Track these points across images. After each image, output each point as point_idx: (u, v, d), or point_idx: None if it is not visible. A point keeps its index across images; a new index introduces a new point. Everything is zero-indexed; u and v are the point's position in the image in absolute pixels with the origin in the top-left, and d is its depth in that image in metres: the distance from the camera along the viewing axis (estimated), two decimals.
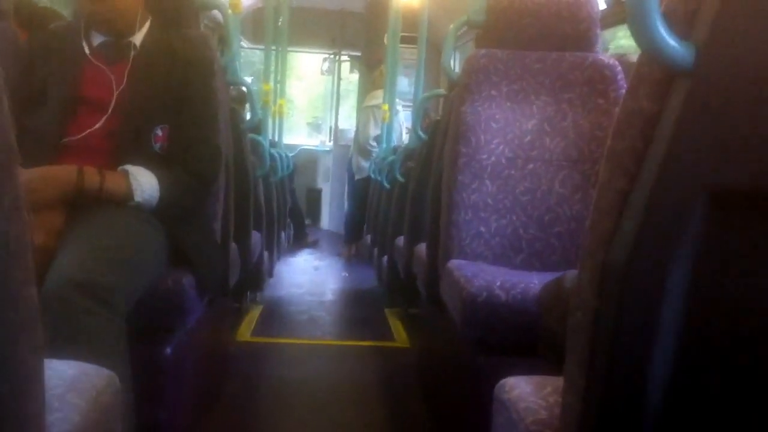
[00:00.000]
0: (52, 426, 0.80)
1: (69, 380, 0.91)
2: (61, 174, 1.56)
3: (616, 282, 0.72)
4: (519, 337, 1.64)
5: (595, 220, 0.78)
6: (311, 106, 9.59)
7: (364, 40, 7.59)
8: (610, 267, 0.73)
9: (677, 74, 0.69)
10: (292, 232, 6.50)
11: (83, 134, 1.70)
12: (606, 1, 3.14)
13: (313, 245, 6.68)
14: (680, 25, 0.69)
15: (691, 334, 0.71)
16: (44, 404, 0.76)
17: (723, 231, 0.69)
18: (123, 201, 1.61)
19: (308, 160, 8.11)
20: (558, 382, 1.01)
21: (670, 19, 0.68)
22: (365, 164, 5.89)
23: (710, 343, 0.71)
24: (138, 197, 1.62)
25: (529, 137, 2.08)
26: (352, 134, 7.02)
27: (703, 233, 0.68)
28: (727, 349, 0.71)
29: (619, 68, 2.10)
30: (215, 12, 2.52)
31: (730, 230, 0.69)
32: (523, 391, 1.01)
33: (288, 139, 7.92)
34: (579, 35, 2.14)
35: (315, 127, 9.18)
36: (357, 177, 6.05)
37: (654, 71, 0.72)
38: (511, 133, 2.08)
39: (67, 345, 1.25)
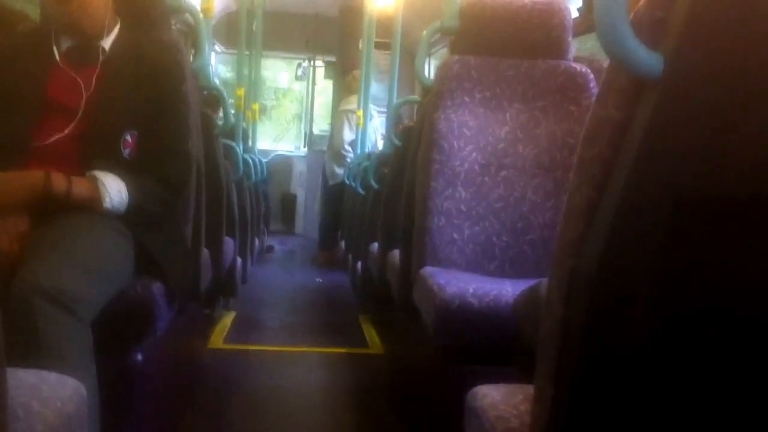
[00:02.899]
0: None
1: (33, 389, 0.90)
2: (27, 179, 1.53)
3: (585, 290, 0.72)
4: (491, 344, 1.64)
5: (563, 228, 0.78)
6: (326, 110, 8.70)
7: (337, 46, 7.59)
8: (579, 275, 0.73)
9: (646, 83, 0.69)
10: (266, 238, 6.46)
11: (51, 140, 1.67)
12: (578, 9, 3.17)
13: (269, 251, 6.63)
14: (648, 34, 0.69)
15: (661, 341, 0.71)
16: (7, 415, 0.75)
17: (691, 238, 0.69)
18: (91, 207, 1.59)
19: (282, 166, 8.08)
20: (530, 390, 1.01)
21: (637, 28, 0.69)
22: (339, 170, 5.87)
23: (681, 350, 0.72)
24: (107, 203, 1.59)
25: (502, 144, 2.09)
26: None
27: (671, 240, 0.69)
28: (698, 356, 0.71)
29: (591, 76, 2.11)
30: (187, 15, 2.50)
31: (698, 237, 0.69)
32: (495, 399, 1.01)
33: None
34: (551, 42, 2.15)
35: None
36: (331, 183, 6.03)
37: (622, 80, 0.72)
38: (484, 140, 2.09)
39: (31, 353, 1.23)
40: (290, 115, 10.75)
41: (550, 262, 0.80)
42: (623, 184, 0.69)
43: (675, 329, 0.71)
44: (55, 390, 0.93)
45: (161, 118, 1.76)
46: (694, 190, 0.68)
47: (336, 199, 5.90)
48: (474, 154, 2.07)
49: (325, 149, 6.61)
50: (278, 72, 9.77)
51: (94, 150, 1.68)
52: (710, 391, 0.72)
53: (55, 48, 1.77)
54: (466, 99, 2.11)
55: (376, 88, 5.99)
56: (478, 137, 2.09)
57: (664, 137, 0.67)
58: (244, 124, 4.62)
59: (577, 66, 2.14)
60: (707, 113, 0.67)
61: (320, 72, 8.29)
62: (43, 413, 0.86)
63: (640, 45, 0.67)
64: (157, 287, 1.65)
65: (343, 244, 5.46)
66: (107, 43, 1.79)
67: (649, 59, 0.67)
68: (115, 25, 1.82)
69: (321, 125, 8.52)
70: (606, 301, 0.70)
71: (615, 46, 0.68)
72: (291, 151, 8.63)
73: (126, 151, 1.71)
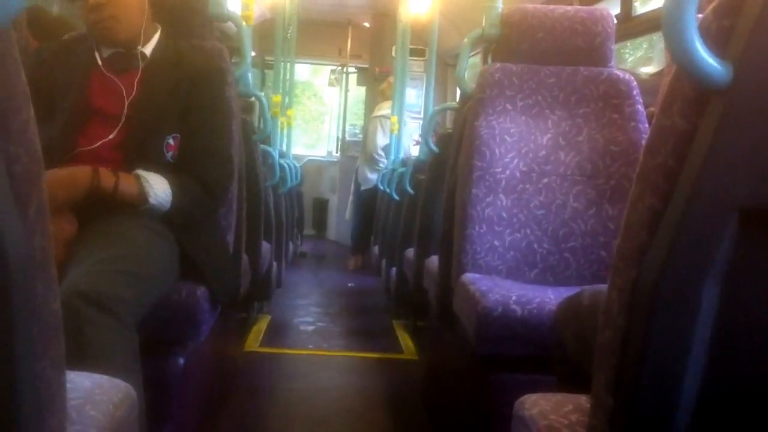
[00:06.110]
0: None
1: (86, 392, 0.91)
2: (76, 175, 1.55)
3: (646, 301, 0.70)
4: (533, 352, 1.63)
5: (624, 238, 0.77)
6: (354, 110, 8.59)
7: (370, 53, 7.61)
8: (640, 286, 0.72)
9: (712, 92, 0.68)
10: (300, 242, 6.49)
11: (96, 145, 1.70)
12: (616, 16, 3.14)
13: (302, 255, 6.65)
14: (715, 42, 0.68)
15: (722, 354, 0.70)
16: (65, 418, 0.75)
17: (755, 250, 0.68)
18: (136, 204, 1.61)
19: (314, 171, 8.11)
20: (578, 400, 1.00)
21: (704, 35, 0.67)
22: (372, 175, 5.89)
23: (742, 363, 0.70)
24: (152, 200, 1.61)
25: (543, 151, 2.07)
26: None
27: (735, 253, 0.67)
28: (759, 370, 0.70)
29: (635, 83, 2.09)
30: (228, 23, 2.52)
31: (762, 250, 0.68)
32: (544, 408, 0.99)
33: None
34: (593, 50, 2.13)
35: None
36: (363, 187, 6.05)
37: (688, 88, 0.71)
38: (525, 147, 2.07)
39: (77, 357, 1.24)
40: (309, 116, 10.25)
41: (611, 272, 0.79)
42: (688, 195, 0.67)
43: (740, 340, 0.69)
44: (108, 394, 0.93)
45: (204, 123, 1.78)
46: (759, 201, 0.66)
47: (368, 203, 5.92)
48: (515, 161, 2.06)
49: (357, 154, 6.63)
50: None
51: (138, 154, 1.71)
52: None
53: (97, 55, 1.79)
54: (508, 106, 2.10)
55: (408, 94, 5.99)
56: (519, 144, 2.07)
57: (731, 148, 0.66)
58: (280, 130, 4.65)
59: (620, 73, 2.12)
60: None
61: (352, 78, 8.31)
62: (96, 416, 0.86)
63: (707, 53, 0.66)
64: (201, 292, 1.66)
65: (376, 248, 5.46)
66: (148, 49, 1.82)
67: (717, 67, 0.66)
68: (154, 31, 1.85)
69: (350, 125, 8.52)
70: (668, 313, 0.69)
71: (683, 53, 0.66)
72: (323, 156, 8.66)
73: (169, 154, 1.73)
